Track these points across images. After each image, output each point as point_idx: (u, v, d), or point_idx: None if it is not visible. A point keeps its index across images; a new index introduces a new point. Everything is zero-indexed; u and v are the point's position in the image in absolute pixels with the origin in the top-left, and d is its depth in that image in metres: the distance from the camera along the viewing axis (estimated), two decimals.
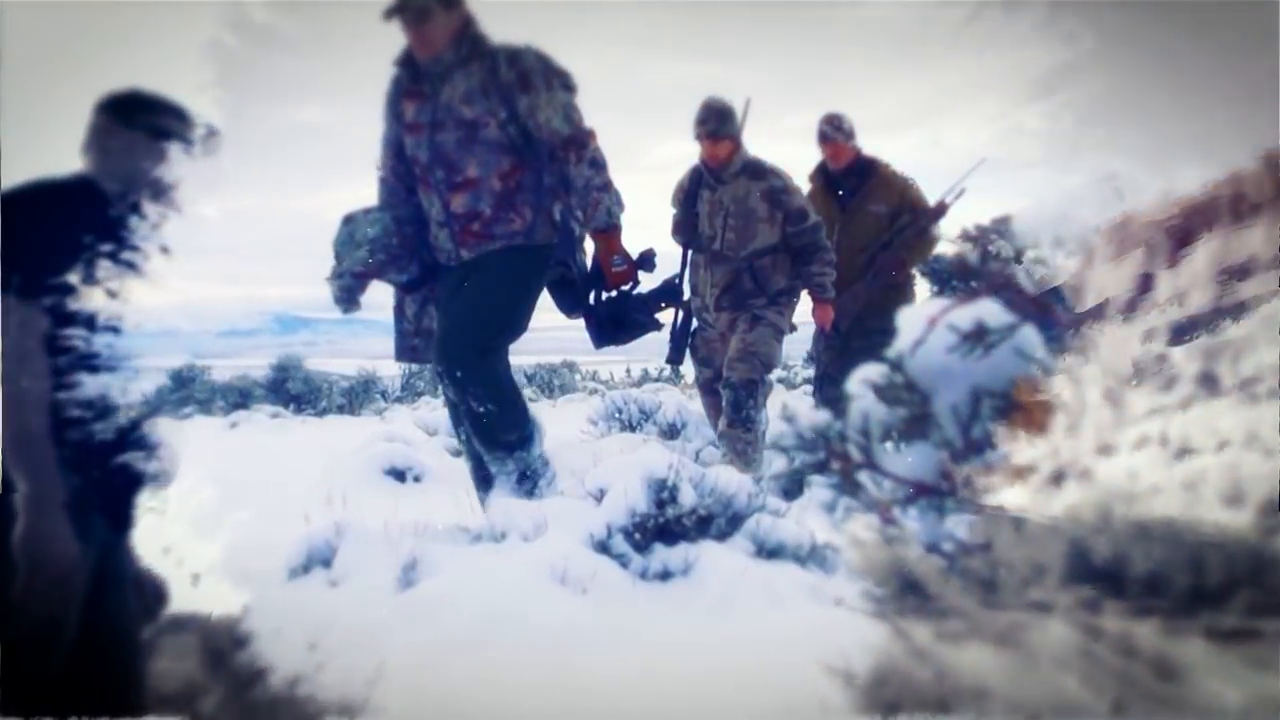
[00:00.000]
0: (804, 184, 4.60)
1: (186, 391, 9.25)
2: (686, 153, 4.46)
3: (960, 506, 0.96)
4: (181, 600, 1.66)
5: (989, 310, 0.96)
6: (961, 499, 0.97)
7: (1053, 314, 0.96)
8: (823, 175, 4.73)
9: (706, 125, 4.28)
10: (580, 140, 3.00)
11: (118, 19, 1.74)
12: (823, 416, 1.01)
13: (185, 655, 1.60)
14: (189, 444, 1.66)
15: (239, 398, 9.50)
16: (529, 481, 3.04)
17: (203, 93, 1.67)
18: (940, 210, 4.65)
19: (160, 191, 1.65)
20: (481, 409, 2.99)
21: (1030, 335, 0.95)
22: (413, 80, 3.10)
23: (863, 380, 0.99)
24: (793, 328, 4.47)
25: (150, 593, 1.64)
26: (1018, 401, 0.93)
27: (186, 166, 1.64)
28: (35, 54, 1.64)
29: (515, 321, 3.11)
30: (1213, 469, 1.04)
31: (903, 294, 4.66)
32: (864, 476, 0.99)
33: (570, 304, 3.27)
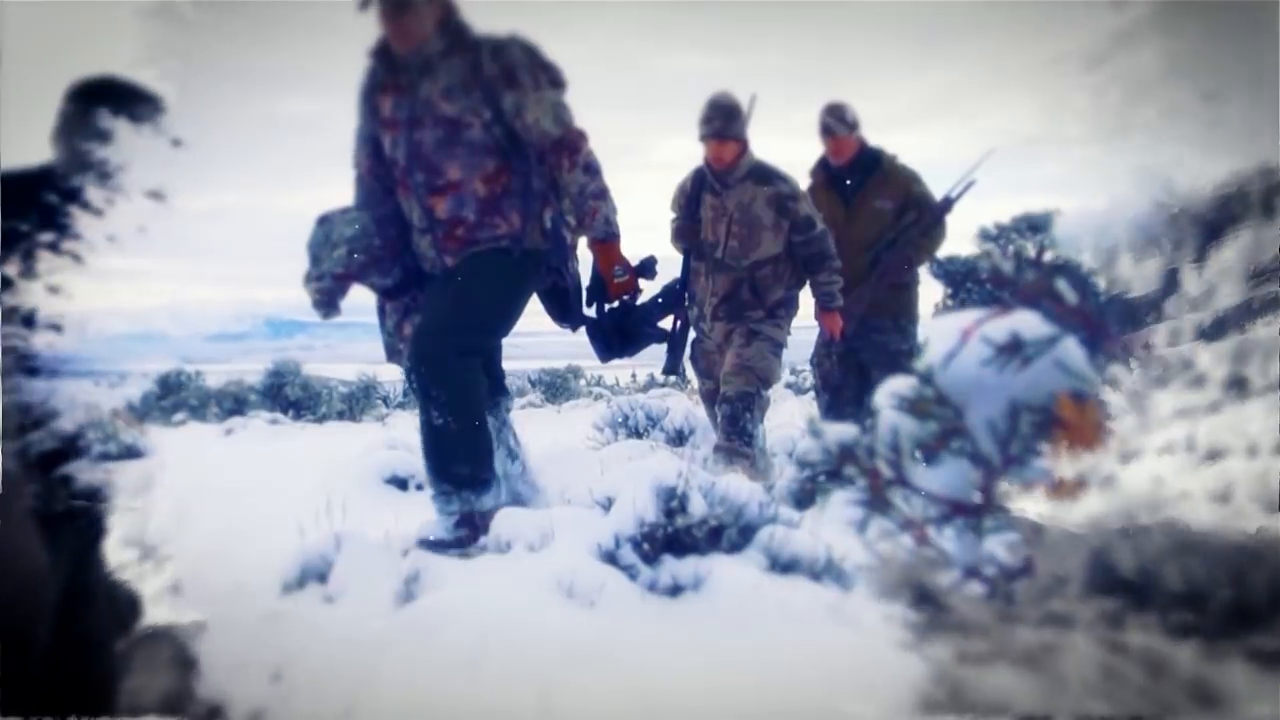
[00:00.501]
0: (804, 181, 4.44)
1: (178, 397, 9.20)
2: (692, 150, 4.29)
3: (996, 525, 0.92)
4: (161, 614, 1.61)
5: (1026, 321, 0.91)
6: (997, 516, 0.92)
7: (1093, 323, 0.91)
8: (824, 171, 4.51)
9: (712, 125, 4.06)
10: (572, 144, 2.78)
11: (119, 19, 1.69)
12: (849, 430, 0.96)
13: (159, 669, 1.55)
14: (181, 451, 1.61)
15: (234, 404, 9.45)
16: (466, 532, 2.69)
17: (195, 87, 1.62)
18: (946, 205, 4.47)
19: (128, 181, 1.58)
20: (440, 420, 2.74)
21: (1071, 347, 0.90)
22: (389, 73, 2.86)
23: (891, 393, 0.94)
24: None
25: (123, 605, 1.59)
26: (1059, 416, 0.88)
27: (158, 155, 1.58)
28: (35, 54, 1.60)
29: (495, 324, 2.92)
30: (1242, 475, 1.01)
31: (908, 294, 4.52)
32: (894, 493, 0.94)
33: (564, 314, 3.10)
